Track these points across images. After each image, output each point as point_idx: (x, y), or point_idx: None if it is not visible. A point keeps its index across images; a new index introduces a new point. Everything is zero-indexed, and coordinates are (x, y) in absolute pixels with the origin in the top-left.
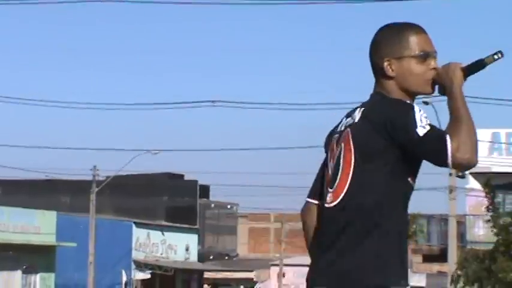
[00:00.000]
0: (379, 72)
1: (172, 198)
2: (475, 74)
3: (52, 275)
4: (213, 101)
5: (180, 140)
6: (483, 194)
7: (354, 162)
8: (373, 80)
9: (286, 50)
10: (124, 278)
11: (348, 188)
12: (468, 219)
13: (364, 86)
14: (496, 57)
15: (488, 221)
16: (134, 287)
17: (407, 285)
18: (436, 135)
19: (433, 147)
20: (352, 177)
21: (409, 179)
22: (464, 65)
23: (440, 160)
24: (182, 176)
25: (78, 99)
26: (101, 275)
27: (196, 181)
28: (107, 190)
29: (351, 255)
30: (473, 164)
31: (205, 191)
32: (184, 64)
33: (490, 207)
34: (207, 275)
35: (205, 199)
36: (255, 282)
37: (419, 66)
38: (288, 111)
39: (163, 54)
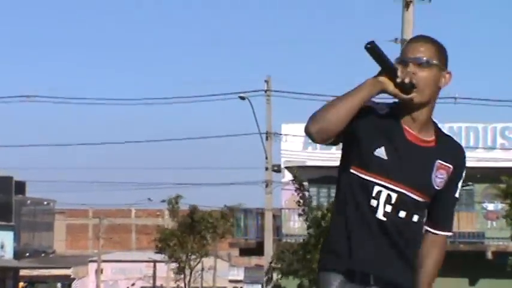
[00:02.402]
0: None
1: None
2: (377, 59)
3: None
4: (28, 96)
5: None
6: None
7: None
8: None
9: (106, 43)
10: None
11: None
12: (284, 213)
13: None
14: (369, 46)
15: (301, 214)
16: None
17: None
18: None
19: None
20: None
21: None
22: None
23: None
24: None
25: None
26: None
27: (11, 177)
28: None
29: None
30: (307, 131)
31: (21, 187)
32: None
33: (301, 200)
34: (23, 272)
35: (21, 195)
36: (73, 279)
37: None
38: (103, 106)
39: None
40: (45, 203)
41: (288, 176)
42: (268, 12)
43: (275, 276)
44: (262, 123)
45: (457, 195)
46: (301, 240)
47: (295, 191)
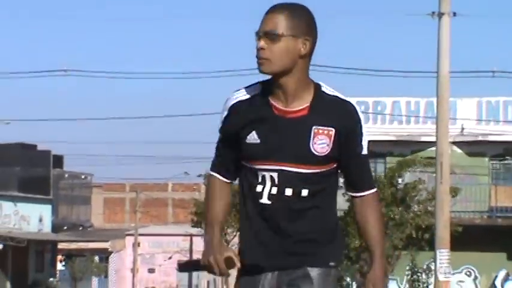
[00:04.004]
0: None
1: (25, 169)
2: None
3: None
4: (65, 70)
5: (33, 110)
6: None
7: None
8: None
9: (139, 19)
10: None
11: None
12: None
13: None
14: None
15: (340, 187)
16: None
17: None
18: None
19: None
20: None
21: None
22: None
23: None
24: (35, 146)
25: None
26: None
27: (49, 151)
28: None
29: None
30: None
31: (59, 161)
32: (35, 32)
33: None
34: (61, 245)
35: (59, 169)
36: (110, 252)
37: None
38: (140, 80)
39: (13, 21)
40: (83, 176)
41: None
42: None
43: None
44: None
45: (363, 152)
46: (341, 214)
47: None
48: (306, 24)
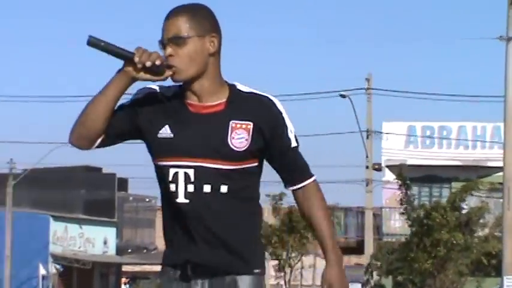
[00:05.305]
0: None
1: (90, 192)
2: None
3: None
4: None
5: None
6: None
7: None
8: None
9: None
10: (41, 272)
11: None
12: (384, 212)
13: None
14: (89, 43)
15: (403, 213)
16: (51, 281)
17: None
18: None
19: None
20: None
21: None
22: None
23: None
24: (100, 169)
25: None
26: (17, 269)
27: (114, 174)
28: (24, 183)
29: None
30: (70, 143)
31: (123, 184)
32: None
33: (404, 199)
34: (125, 268)
35: (123, 192)
36: None
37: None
38: None
39: (64, 47)
40: (147, 199)
41: (388, 175)
42: (369, 9)
43: (375, 275)
44: (363, 122)
45: (293, 144)
46: (403, 239)
47: (399, 188)
48: (209, 22)
